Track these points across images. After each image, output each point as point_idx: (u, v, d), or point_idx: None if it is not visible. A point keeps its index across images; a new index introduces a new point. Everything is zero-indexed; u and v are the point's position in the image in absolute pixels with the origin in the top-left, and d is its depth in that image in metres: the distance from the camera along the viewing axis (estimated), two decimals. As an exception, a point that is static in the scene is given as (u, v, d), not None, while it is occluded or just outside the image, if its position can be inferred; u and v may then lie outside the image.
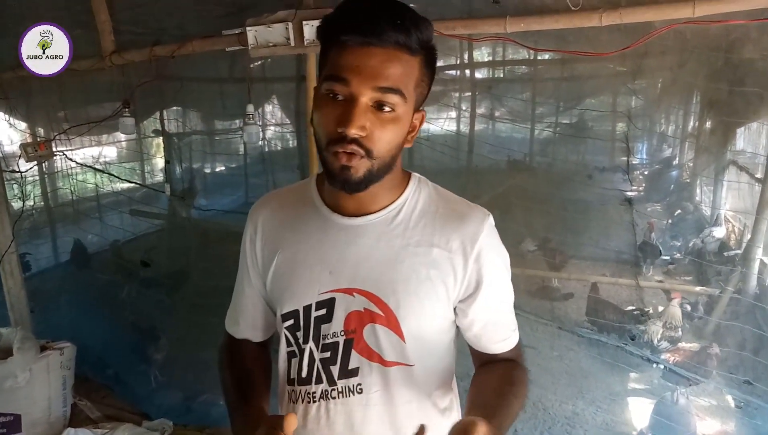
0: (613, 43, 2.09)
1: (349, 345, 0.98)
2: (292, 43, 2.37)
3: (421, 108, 0.96)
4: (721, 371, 2.72)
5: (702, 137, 4.43)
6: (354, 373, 0.99)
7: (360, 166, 0.87)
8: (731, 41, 2.23)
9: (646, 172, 5.42)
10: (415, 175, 1.05)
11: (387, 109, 0.87)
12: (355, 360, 0.99)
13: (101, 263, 4.23)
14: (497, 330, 1.04)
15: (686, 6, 1.79)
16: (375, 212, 0.99)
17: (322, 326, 1.00)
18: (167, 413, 2.94)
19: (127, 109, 2.92)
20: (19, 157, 3.26)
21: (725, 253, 4.04)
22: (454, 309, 1.02)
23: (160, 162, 4.90)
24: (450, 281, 0.97)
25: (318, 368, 1.01)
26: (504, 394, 0.96)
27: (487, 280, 0.98)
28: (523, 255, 4.38)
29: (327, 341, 0.99)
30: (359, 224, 0.99)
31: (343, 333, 0.98)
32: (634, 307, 3.58)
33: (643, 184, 5.36)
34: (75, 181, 4.00)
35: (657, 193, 5.24)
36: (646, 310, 3.67)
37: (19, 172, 3.30)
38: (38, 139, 3.28)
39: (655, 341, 2.89)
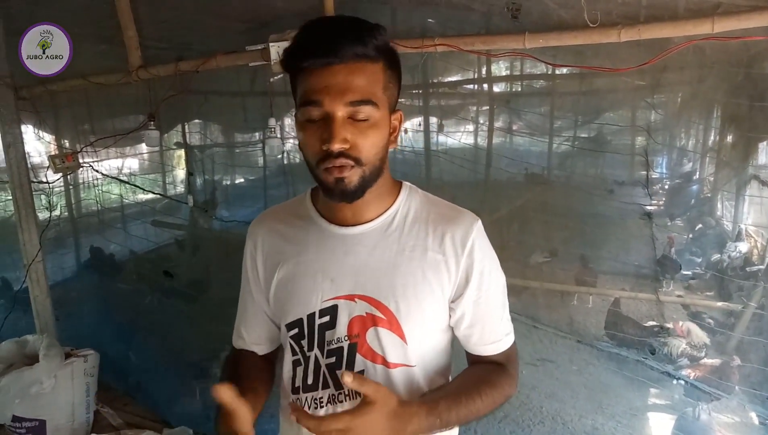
0: (632, 58, 2.11)
1: (353, 349, 1.03)
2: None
3: (396, 109, 1.01)
4: (744, 387, 2.68)
5: (723, 152, 4.39)
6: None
7: (353, 176, 0.93)
8: (751, 56, 2.23)
9: (666, 187, 5.38)
10: (406, 184, 1.11)
11: (363, 118, 0.92)
12: (360, 363, 1.03)
13: (124, 272, 4.30)
14: (485, 331, 1.08)
15: (705, 22, 1.80)
16: (371, 221, 1.05)
17: (326, 333, 1.04)
18: (188, 422, 2.98)
19: (152, 122, 2.99)
20: (47, 168, 3.35)
21: (748, 269, 3.99)
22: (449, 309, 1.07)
23: (181, 174, 5.00)
24: (445, 281, 1.03)
25: (324, 374, 1.05)
26: (467, 390, 1.02)
27: (475, 277, 1.03)
28: (539, 268, 4.37)
29: (332, 347, 1.04)
30: (357, 233, 1.04)
31: (347, 338, 1.03)
32: (654, 322, 3.56)
33: (664, 199, 5.33)
34: (100, 191, 4.09)
35: (677, 207, 5.19)
36: (667, 325, 3.64)
37: (47, 182, 3.39)
38: (65, 151, 3.36)
39: (675, 356, 2.86)
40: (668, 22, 1.88)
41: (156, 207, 4.57)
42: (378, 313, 1.02)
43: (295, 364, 1.09)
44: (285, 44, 2.46)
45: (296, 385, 1.09)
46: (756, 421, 2.82)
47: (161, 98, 3.02)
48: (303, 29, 0.95)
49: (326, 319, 1.04)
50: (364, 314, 1.02)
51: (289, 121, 5.29)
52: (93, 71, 3.06)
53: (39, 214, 3.45)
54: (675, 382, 3.03)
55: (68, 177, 4.13)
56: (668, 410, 2.95)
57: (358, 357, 1.03)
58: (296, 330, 1.06)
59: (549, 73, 4.56)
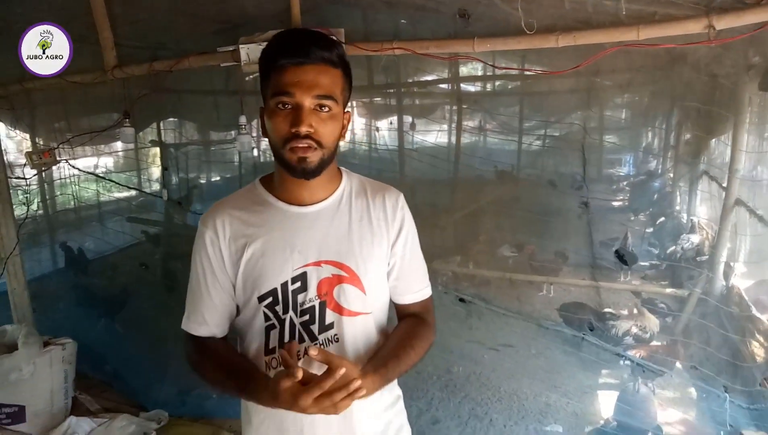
0: (574, 61, 2.31)
1: (323, 306, 1.22)
2: (281, 60, 2.56)
3: (346, 110, 1.23)
4: (685, 363, 2.92)
5: (678, 148, 4.66)
6: (330, 326, 1.23)
7: (314, 157, 1.14)
8: (672, 60, 2.45)
9: (629, 182, 5.64)
10: (343, 168, 1.33)
11: (325, 110, 1.14)
12: (330, 316, 1.23)
13: (100, 266, 4.39)
14: (409, 281, 1.34)
15: (632, 30, 2.02)
16: (324, 199, 1.26)
17: (299, 296, 1.22)
18: (163, 406, 3.11)
19: (127, 120, 3.11)
20: (24, 164, 3.44)
21: (698, 259, 4.23)
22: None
23: (156, 170, 5.08)
24: (384, 240, 1.27)
25: (299, 331, 1.23)
26: (402, 347, 1.26)
27: (402, 235, 1.29)
28: (506, 260, 4.58)
29: (305, 307, 1.22)
30: (315, 210, 1.25)
31: (317, 297, 1.22)
32: (610, 310, 3.78)
33: (627, 194, 5.59)
34: (77, 188, 4.18)
35: (637, 202, 5.46)
36: (622, 312, 3.88)
37: (24, 178, 3.48)
38: (42, 148, 3.45)
39: (620, 335, 3.09)
40: (600, 30, 2.08)
41: (132, 203, 4.67)
42: (342, 273, 1.22)
43: (269, 328, 1.25)
44: (255, 46, 2.62)
45: (270, 347, 1.25)
46: (695, 395, 3.06)
47: (136, 96, 3.14)
48: (279, 34, 1.18)
49: (298, 284, 1.22)
50: (330, 275, 1.22)
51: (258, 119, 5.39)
52: (69, 70, 3.16)
53: (16, 210, 3.54)
54: (622, 362, 3.26)
55: (43, 174, 4.21)
56: (615, 388, 3.17)
57: (328, 311, 1.23)
58: (270, 299, 1.22)
59: (517, 74, 4.76)
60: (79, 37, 3.21)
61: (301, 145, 1.12)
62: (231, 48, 2.74)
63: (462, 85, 5.38)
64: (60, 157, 3.42)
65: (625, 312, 3.91)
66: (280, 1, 2.80)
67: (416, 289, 1.35)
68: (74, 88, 3.24)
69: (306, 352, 1.20)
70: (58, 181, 4.34)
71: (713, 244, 4.01)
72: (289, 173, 1.17)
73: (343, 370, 1.05)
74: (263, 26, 2.80)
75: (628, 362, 3.14)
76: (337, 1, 3.19)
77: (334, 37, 1.28)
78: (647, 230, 5.26)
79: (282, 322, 1.23)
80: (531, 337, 3.61)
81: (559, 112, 3.97)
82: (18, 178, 3.51)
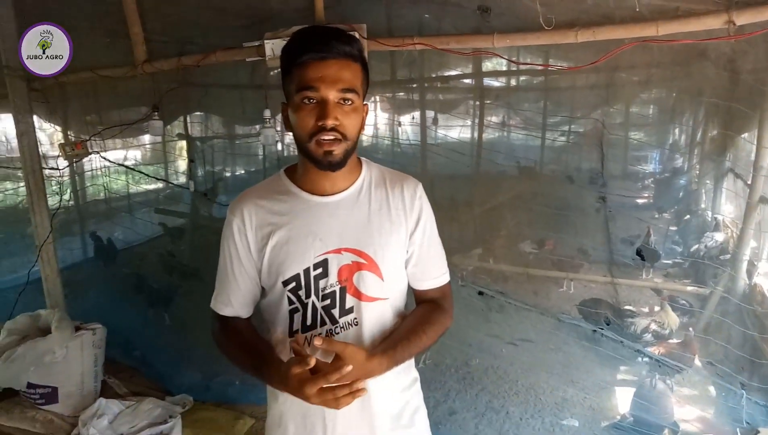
0: (593, 57, 2.32)
1: (343, 291, 1.29)
2: (305, 55, 2.63)
3: (364, 103, 1.28)
4: (705, 360, 2.92)
5: (704, 145, 4.61)
6: (350, 311, 1.30)
7: (339, 149, 1.20)
8: (692, 56, 2.45)
9: (654, 179, 5.59)
10: (364, 159, 1.38)
11: (349, 103, 1.19)
12: (350, 301, 1.30)
13: (130, 256, 4.53)
14: (427, 268, 1.38)
15: (651, 25, 2.03)
16: (345, 189, 1.32)
17: (320, 281, 1.29)
18: (188, 391, 3.22)
19: (156, 113, 3.21)
20: (58, 156, 3.57)
21: (722, 257, 4.20)
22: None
23: (183, 163, 5.20)
24: (403, 228, 1.32)
25: (321, 314, 1.30)
26: (414, 331, 1.32)
27: (422, 223, 1.34)
28: (527, 256, 4.59)
29: (326, 292, 1.29)
30: (336, 200, 1.31)
31: (337, 283, 1.29)
32: (629, 307, 3.78)
33: (651, 191, 5.54)
34: (107, 179, 4.31)
35: (662, 199, 5.40)
36: (642, 309, 3.87)
37: (58, 169, 3.61)
38: (74, 140, 3.57)
39: (639, 332, 3.09)
40: (618, 25, 2.10)
41: (160, 195, 4.80)
42: (361, 260, 1.28)
43: (292, 312, 1.33)
44: (279, 42, 2.69)
45: (294, 329, 1.33)
46: (713, 392, 3.04)
47: (164, 90, 3.23)
48: (300, 32, 1.23)
49: (320, 270, 1.29)
50: (350, 262, 1.29)
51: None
52: (100, 65, 3.27)
53: (49, 200, 3.67)
54: (640, 359, 3.26)
55: (74, 165, 4.33)
56: (632, 384, 3.16)
57: (348, 296, 1.30)
58: (293, 284, 1.30)
59: (537, 70, 4.74)
60: (110, 32, 3.34)
61: (327, 138, 1.18)
62: (256, 43, 2.82)
63: (484, 80, 5.37)
64: (91, 149, 3.54)
65: (646, 309, 3.90)
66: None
67: (434, 275, 1.40)
68: (105, 82, 3.36)
69: (328, 335, 1.29)
70: (89, 172, 4.46)
71: (737, 242, 3.97)
72: (316, 166, 1.24)
73: (349, 368, 1.12)
74: (288, 22, 2.87)
75: (646, 359, 3.14)
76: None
77: (354, 33, 1.34)
78: (671, 228, 5.22)
79: (305, 305, 1.31)
80: (549, 332, 3.62)
81: (579, 108, 3.95)
82: (52, 168, 3.63)
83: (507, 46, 2.36)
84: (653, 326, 3.30)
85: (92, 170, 4.26)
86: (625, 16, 2.19)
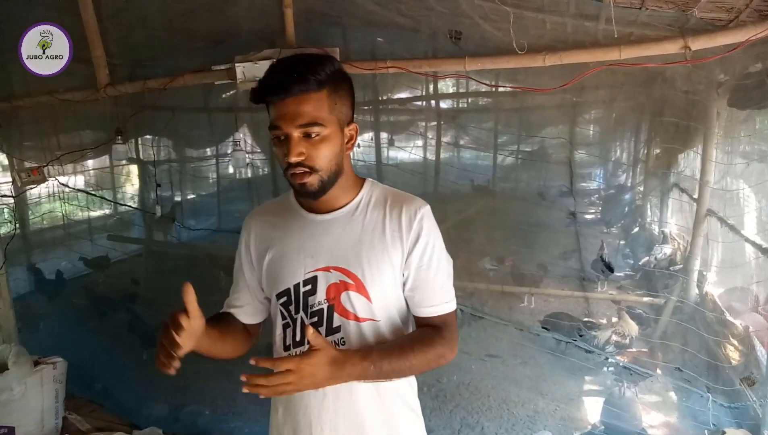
0: (559, 79, 2.45)
1: (331, 309, 1.29)
2: (277, 78, 2.64)
3: (351, 121, 1.29)
4: (664, 362, 3.06)
5: (647, 162, 4.87)
6: (337, 330, 1.29)
7: (312, 180, 1.22)
8: (650, 78, 2.62)
9: (597, 196, 5.84)
10: (369, 179, 1.38)
11: (314, 135, 1.20)
12: (337, 320, 1.29)
13: (86, 285, 4.35)
14: (424, 295, 1.32)
15: (614, 50, 2.16)
16: (339, 208, 1.32)
17: (309, 298, 1.30)
18: (156, 423, 3.10)
19: (119, 137, 3.13)
20: (12, 182, 3.42)
21: (671, 268, 4.41)
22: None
23: (133, 188, 5.10)
24: (398, 251, 1.28)
25: None
26: (401, 346, 1.27)
27: (419, 247, 1.29)
28: (487, 273, 4.69)
29: (314, 309, 1.30)
30: (329, 219, 1.32)
31: (325, 301, 1.29)
32: (589, 319, 3.91)
33: (597, 207, 5.79)
34: (65, 205, 4.15)
35: (609, 214, 5.65)
36: (601, 320, 4.02)
37: (12, 196, 3.45)
38: (30, 166, 3.43)
39: (602, 344, 3.21)
40: (584, 50, 2.23)
41: (123, 218, 4.68)
42: (348, 280, 1.28)
43: (285, 326, 1.35)
44: (250, 65, 2.70)
45: (287, 344, 1.34)
46: (675, 398, 3.18)
47: (128, 114, 3.16)
48: (267, 72, 1.24)
49: (309, 287, 1.30)
50: (338, 281, 1.28)
51: (239, 137, 5.49)
52: (60, 88, 3.18)
53: (1, 228, 3.51)
54: (606, 369, 3.38)
55: (28, 193, 4.15)
56: (601, 393, 3.28)
57: (335, 315, 1.29)
58: (285, 298, 1.32)
59: (492, 91, 4.92)
60: (73, 57, 3.24)
61: (296, 172, 1.20)
62: (226, 66, 2.81)
63: (447, 101, 5.53)
64: (49, 175, 3.41)
65: (604, 320, 4.05)
66: (274, 20, 2.90)
67: (432, 303, 1.32)
68: (64, 105, 3.26)
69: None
70: (41, 199, 4.30)
71: (687, 253, 4.20)
72: (295, 194, 1.31)
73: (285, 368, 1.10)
74: (256, 43, 2.89)
75: (611, 368, 3.26)
76: (325, 20, 3.30)
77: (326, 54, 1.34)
78: (620, 242, 5.46)
79: (294, 321, 1.32)
80: (516, 346, 3.71)
81: (542, 127, 4.12)
82: (4, 196, 3.48)
83: (476, 70, 2.45)
84: (614, 337, 3.43)
85: (51, 196, 4.10)
86: (584, 41, 2.34)
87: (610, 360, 3.21)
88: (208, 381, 3.37)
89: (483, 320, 3.55)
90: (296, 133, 1.19)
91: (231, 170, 5.86)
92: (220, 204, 6.11)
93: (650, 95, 2.87)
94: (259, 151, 5.04)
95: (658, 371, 3.18)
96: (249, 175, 5.42)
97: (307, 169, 1.20)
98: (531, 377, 3.56)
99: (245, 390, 1.10)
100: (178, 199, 5.33)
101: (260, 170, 5.01)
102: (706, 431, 2.53)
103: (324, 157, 1.21)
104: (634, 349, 3.47)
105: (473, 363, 3.63)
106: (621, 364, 3.10)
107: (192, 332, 1.12)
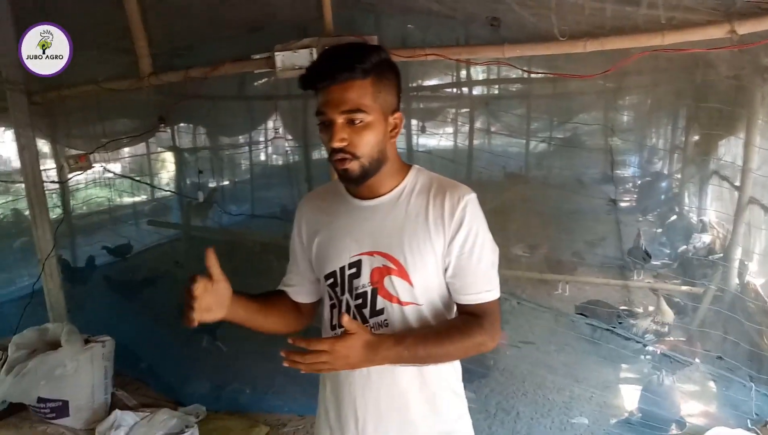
0: (599, 65, 2.42)
1: (375, 292, 1.33)
2: (316, 66, 2.68)
3: (396, 110, 1.31)
4: (704, 350, 3.02)
5: (686, 149, 4.77)
6: (380, 312, 1.33)
7: (353, 166, 1.24)
8: (695, 64, 2.57)
9: (636, 183, 5.75)
10: (415, 166, 1.41)
11: (357, 122, 1.23)
12: (380, 303, 1.32)
13: (132, 266, 4.51)
14: (465, 283, 1.32)
15: (657, 35, 2.13)
16: (384, 194, 1.35)
17: (354, 281, 1.34)
18: (199, 401, 3.21)
19: (162, 125, 3.22)
20: (61, 168, 3.55)
21: (710, 257, 4.33)
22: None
23: (171, 175, 5.24)
24: (441, 238, 1.30)
25: (354, 312, 1.34)
26: (437, 332, 1.30)
27: (463, 233, 1.29)
28: (520, 259, 4.68)
29: (358, 291, 1.34)
30: (373, 204, 1.35)
31: (369, 284, 1.33)
32: (625, 307, 3.88)
33: (634, 195, 5.70)
34: (112, 191, 4.30)
35: (647, 202, 5.57)
36: (638, 309, 3.98)
37: (60, 182, 3.59)
38: (77, 153, 3.56)
39: (641, 332, 3.19)
40: (627, 35, 2.20)
41: (160, 204, 4.81)
42: (391, 265, 1.31)
43: (332, 307, 1.40)
44: (289, 53, 2.74)
45: (333, 323, 1.40)
46: (714, 387, 3.15)
47: (170, 102, 3.25)
48: (313, 62, 1.30)
49: (353, 270, 1.34)
50: (381, 266, 1.32)
51: (270, 125, 5.58)
52: (105, 77, 3.28)
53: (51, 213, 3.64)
54: (643, 357, 3.36)
55: (70, 178, 4.30)
56: (638, 381, 3.26)
57: (379, 298, 1.33)
58: (332, 280, 1.37)
59: (525, 77, 4.87)
60: (117, 48, 3.35)
61: (339, 158, 1.24)
62: (266, 55, 2.86)
63: (478, 87, 5.51)
64: (95, 161, 3.53)
65: (641, 310, 4.01)
66: (310, 8, 2.93)
67: (473, 291, 1.33)
68: (109, 94, 3.36)
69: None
70: (79, 185, 4.44)
71: (727, 241, 4.12)
72: (340, 180, 1.33)
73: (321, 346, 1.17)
74: (294, 33, 2.93)
75: (649, 356, 3.24)
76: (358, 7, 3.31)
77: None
78: (657, 230, 5.37)
79: (340, 302, 1.37)
80: (551, 332, 3.71)
81: (578, 113, 4.07)
82: (53, 182, 3.62)
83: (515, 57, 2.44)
84: (653, 326, 3.41)
85: (97, 181, 4.23)
86: (624, 27, 2.30)
87: (648, 348, 3.18)
88: (248, 361, 3.48)
89: (520, 306, 3.55)
90: (340, 119, 1.22)
91: (263, 157, 6.01)
92: (255, 190, 6.25)
93: (691, 80, 2.80)
94: (290, 138, 5.16)
95: (697, 360, 3.15)
96: (280, 162, 5.53)
97: (348, 155, 1.23)
98: (567, 364, 3.56)
99: (285, 364, 1.17)
100: (213, 184, 5.49)
101: (293, 157, 5.10)
102: (748, 421, 2.50)
103: (366, 143, 1.24)
104: (672, 338, 3.44)
105: (508, 349, 3.65)
106: (660, 352, 3.08)
107: (218, 296, 1.19)
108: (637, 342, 3.08)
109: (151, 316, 4.03)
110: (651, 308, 3.82)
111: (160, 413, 2.93)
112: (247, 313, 1.31)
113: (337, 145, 1.22)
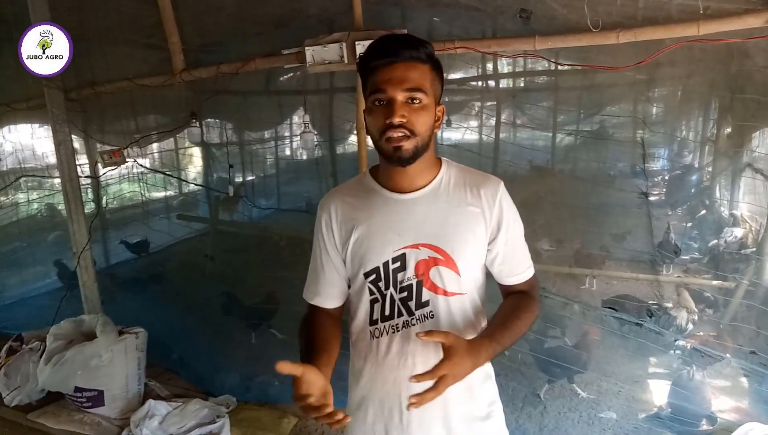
0: (630, 56, 2.39)
1: (420, 285, 1.35)
2: (346, 61, 2.70)
3: (440, 103, 1.35)
4: (736, 345, 2.98)
5: (718, 141, 4.67)
6: (426, 304, 1.35)
7: (408, 145, 1.26)
8: (731, 54, 2.52)
9: (666, 177, 5.65)
10: (444, 159, 1.45)
11: (416, 102, 1.26)
12: (426, 295, 1.35)
13: (162, 259, 4.60)
14: (513, 265, 1.43)
15: (692, 26, 2.10)
16: (423, 187, 1.37)
17: (398, 274, 1.36)
18: (229, 392, 3.28)
19: (194, 120, 3.27)
20: (96, 163, 3.63)
21: (742, 251, 4.26)
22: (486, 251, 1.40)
23: (198, 169, 5.32)
24: (482, 228, 1.37)
25: (398, 306, 1.37)
26: (510, 318, 1.36)
27: (505, 223, 1.38)
28: (545, 254, 4.64)
29: (403, 285, 1.36)
30: (414, 197, 1.37)
31: (414, 277, 1.35)
32: (654, 302, 3.83)
33: (664, 188, 5.60)
34: (145, 185, 4.39)
35: (678, 196, 5.47)
36: (667, 304, 3.92)
37: (95, 177, 3.67)
38: (111, 148, 3.65)
39: (683, 325, 3.16)
40: (660, 26, 2.17)
41: (189, 198, 4.90)
42: (438, 256, 1.34)
43: (373, 302, 1.40)
44: (319, 48, 2.76)
45: (374, 318, 1.40)
46: (746, 383, 3.10)
47: (202, 98, 3.30)
48: (373, 42, 1.32)
49: (398, 264, 1.35)
50: (427, 258, 1.34)
51: (296, 120, 5.62)
52: (138, 74, 3.35)
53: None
54: (672, 352, 3.32)
55: (104, 173, 4.39)
56: (668, 376, 3.22)
57: (424, 290, 1.35)
58: (374, 276, 1.37)
59: (552, 69, 4.81)
60: (149, 45, 3.41)
61: (395, 135, 1.24)
62: (296, 50, 2.89)
63: (505, 80, 5.45)
64: (128, 156, 3.61)
65: (671, 304, 3.95)
66: (338, 2, 2.95)
67: (520, 270, 1.44)
68: (142, 90, 3.43)
69: (404, 326, 1.36)
70: (120, 179, 4.53)
71: (761, 236, 4.04)
72: (388, 162, 1.31)
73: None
74: (319, 27, 2.95)
75: (679, 350, 3.20)
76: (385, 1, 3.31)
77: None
78: (687, 224, 5.28)
79: (384, 297, 1.38)
80: (578, 326, 3.68)
81: (607, 105, 4.01)
82: (89, 176, 3.70)
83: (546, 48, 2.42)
84: (684, 322, 3.37)
85: (130, 176, 4.33)
86: (657, 17, 2.27)
87: (678, 342, 3.14)
88: (277, 353, 3.53)
89: (548, 300, 3.53)
90: (401, 97, 1.24)
91: (289, 152, 6.07)
92: (282, 184, 6.31)
93: (726, 71, 2.74)
94: (317, 133, 5.18)
95: (728, 355, 3.11)
96: (306, 156, 5.57)
97: (407, 132, 1.24)
98: (595, 358, 3.53)
99: (415, 407, 1.17)
100: (239, 179, 5.55)
101: (320, 151, 5.14)
102: (782, 416, 2.46)
103: (422, 123, 1.26)
104: (702, 333, 3.39)
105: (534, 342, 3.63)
106: (690, 347, 3.04)
107: (314, 378, 1.15)
108: (667, 335, 3.04)
109: (182, 309, 4.11)
110: (674, 297, 3.77)
111: (192, 403, 3.00)
112: (330, 360, 1.33)
113: (397, 120, 1.23)
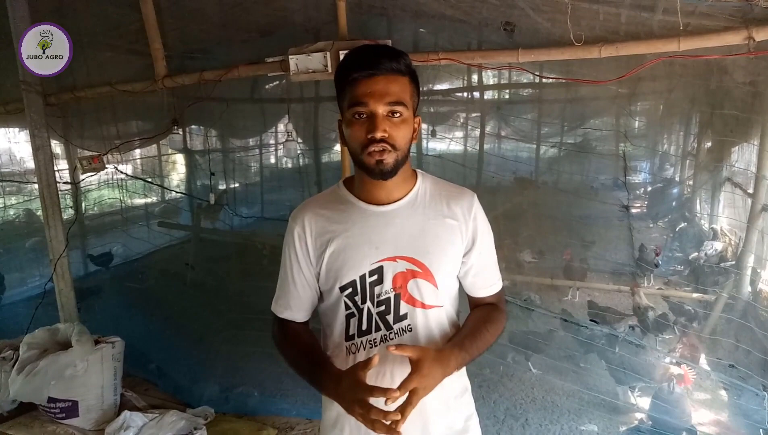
0: (612, 70, 2.42)
1: (398, 298, 1.33)
2: (330, 70, 2.68)
3: (416, 115, 1.33)
4: (713, 358, 3.00)
5: (699, 155, 4.74)
6: (404, 317, 1.34)
7: (389, 158, 1.25)
8: (710, 70, 2.56)
9: (647, 189, 5.72)
10: (418, 170, 1.43)
11: (397, 115, 1.25)
12: (404, 308, 1.34)
13: (141, 267, 4.53)
14: (485, 278, 1.44)
15: (673, 41, 2.12)
16: (400, 199, 1.36)
17: (375, 288, 1.33)
18: (207, 403, 3.21)
19: (176, 127, 3.24)
20: (74, 169, 3.57)
21: (722, 265, 4.30)
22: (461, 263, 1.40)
23: (181, 176, 5.27)
24: (459, 240, 1.36)
25: (376, 320, 1.34)
26: (478, 328, 1.37)
27: (480, 236, 1.38)
28: (527, 266, 4.67)
29: (381, 298, 1.33)
30: (391, 209, 1.35)
31: (392, 290, 1.33)
32: (632, 314, 3.86)
33: (645, 201, 5.67)
34: (124, 192, 4.32)
35: (658, 208, 5.54)
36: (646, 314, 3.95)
37: (74, 183, 3.61)
38: (91, 154, 3.58)
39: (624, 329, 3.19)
40: (642, 41, 2.19)
41: (170, 205, 4.84)
42: (416, 268, 1.32)
43: (349, 316, 1.37)
44: (303, 57, 2.74)
45: (350, 333, 1.37)
46: (725, 396, 3.12)
47: (184, 105, 3.26)
48: (350, 52, 1.29)
49: (375, 277, 1.33)
50: (405, 270, 1.32)
51: (280, 128, 5.61)
52: (120, 79, 3.30)
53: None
54: (654, 363, 3.33)
55: (83, 179, 4.33)
56: (648, 389, 3.22)
57: (402, 303, 1.33)
58: (350, 289, 1.35)
59: (536, 82, 4.86)
60: (129, 47, 3.38)
61: (377, 149, 1.23)
62: (280, 58, 2.87)
63: (489, 92, 5.50)
64: (108, 163, 3.55)
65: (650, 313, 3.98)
66: (323, 12, 2.94)
67: (491, 283, 1.45)
68: (122, 96, 3.39)
69: (383, 340, 1.34)
70: (90, 186, 4.47)
71: (739, 249, 4.09)
72: (368, 175, 1.29)
73: (397, 394, 1.12)
74: (304, 36, 2.94)
75: (665, 361, 3.21)
76: (371, 11, 3.32)
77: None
78: (667, 236, 5.34)
79: (361, 311, 1.35)
80: (560, 339, 3.69)
81: (589, 119, 4.06)
82: (67, 182, 3.64)
83: (529, 61, 2.43)
84: (631, 322, 3.41)
85: (108, 183, 4.27)
86: (638, 32, 2.29)
87: (659, 355, 3.16)
88: (257, 364, 3.49)
89: (529, 311, 3.54)
90: (382, 111, 1.22)
91: (273, 160, 6.06)
92: (265, 192, 6.29)
93: (706, 87, 2.79)
94: (301, 142, 5.18)
95: (707, 367, 3.13)
96: (290, 164, 5.56)
97: (388, 147, 1.23)
98: (576, 370, 3.54)
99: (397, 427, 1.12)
100: (222, 187, 5.52)
101: (303, 160, 5.13)
102: (761, 430, 2.47)
103: (403, 137, 1.26)
104: (680, 345, 3.42)
105: (517, 354, 3.63)
106: (671, 360, 3.05)
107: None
108: (650, 349, 3.06)
109: (160, 318, 4.04)
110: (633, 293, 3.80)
111: (169, 414, 2.93)
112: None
113: (380, 135, 1.22)
